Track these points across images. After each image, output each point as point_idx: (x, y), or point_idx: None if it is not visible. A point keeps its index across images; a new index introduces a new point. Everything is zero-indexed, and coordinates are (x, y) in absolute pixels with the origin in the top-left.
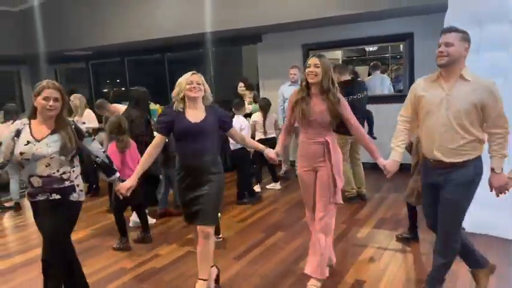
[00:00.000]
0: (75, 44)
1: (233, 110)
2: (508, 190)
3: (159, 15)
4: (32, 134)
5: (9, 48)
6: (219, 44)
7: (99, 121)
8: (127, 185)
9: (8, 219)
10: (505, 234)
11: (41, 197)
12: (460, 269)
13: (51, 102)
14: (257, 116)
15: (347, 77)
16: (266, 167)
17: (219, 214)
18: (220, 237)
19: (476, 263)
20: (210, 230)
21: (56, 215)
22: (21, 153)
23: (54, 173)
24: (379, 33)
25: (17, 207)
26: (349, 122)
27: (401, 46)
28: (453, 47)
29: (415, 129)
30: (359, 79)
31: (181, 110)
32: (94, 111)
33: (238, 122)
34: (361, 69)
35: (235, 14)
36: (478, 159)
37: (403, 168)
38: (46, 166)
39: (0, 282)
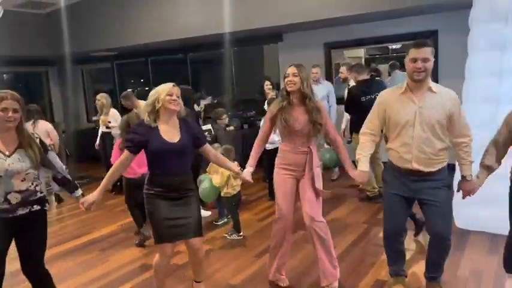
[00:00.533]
0: (100, 45)
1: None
2: (473, 194)
3: (182, 15)
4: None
5: (38, 50)
6: (241, 44)
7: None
8: (90, 200)
9: None
10: None
11: (22, 211)
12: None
13: (10, 113)
14: None
15: (365, 76)
16: None
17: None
18: (240, 235)
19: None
20: (201, 241)
21: (40, 227)
22: None
23: (30, 186)
24: (402, 31)
25: None
26: (329, 133)
27: None
28: (429, 62)
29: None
30: (378, 78)
31: (153, 126)
32: (120, 105)
33: None
34: (384, 68)
35: (256, 14)
36: (446, 165)
37: None
38: (22, 181)
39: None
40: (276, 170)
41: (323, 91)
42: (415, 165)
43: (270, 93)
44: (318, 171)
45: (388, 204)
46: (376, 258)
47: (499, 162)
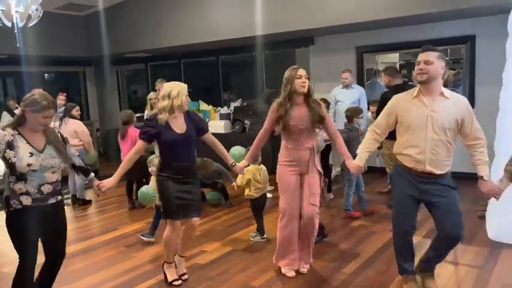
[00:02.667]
0: (135, 47)
1: None
2: (496, 195)
3: (213, 18)
4: (31, 145)
5: (77, 51)
6: (272, 47)
7: None
8: (107, 184)
9: None
10: None
11: (52, 200)
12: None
13: (48, 121)
14: None
15: (398, 81)
16: None
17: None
18: (264, 238)
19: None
20: (198, 221)
21: (63, 215)
22: (28, 165)
23: (58, 177)
24: (437, 36)
25: None
26: (329, 127)
27: (462, 49)
28: (432, 65)
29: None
30: (411, 83)
31: (166, 121)
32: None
33: None
34: None
35: (288, 16)
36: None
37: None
38: (53, 173)
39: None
40: (279, 167)
41: (355, 95)
42: (428, 168)
43: None
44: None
45: (400, 203)
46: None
47: None
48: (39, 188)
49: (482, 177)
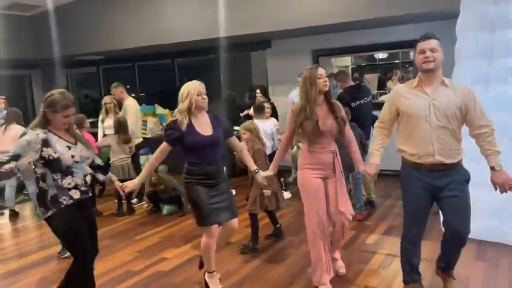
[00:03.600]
0: (86, 49)
1: (254, 114)
2: (511, 187)
3: (169, 20)
4: (65, 140)
5: (21, 53)
6: (229, 50)
7: None
8: (130, 186)
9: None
10: None
11: (90, 193)
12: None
13: (70, 118)
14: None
15: (351, 82)
16: None
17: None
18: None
19: None
20: (237, 221)
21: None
22: (72, 156)
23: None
24: (389, 40)
25: (14, 214)
26: (345, 129)
27: (411, 53)
28: (437, 53)
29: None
30: (363, 84)
31: (187, 123)
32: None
33: (261, 128)
34: (371, 77)
35: (245, 20)
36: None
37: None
38: (87, 165)
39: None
40: (301, 171)
41: None
42: (438, 157)
43: (261, 101)
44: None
45: (411, 203)
46: (364, 265)
47: None
48: (84, 179)
49: (493, 168)
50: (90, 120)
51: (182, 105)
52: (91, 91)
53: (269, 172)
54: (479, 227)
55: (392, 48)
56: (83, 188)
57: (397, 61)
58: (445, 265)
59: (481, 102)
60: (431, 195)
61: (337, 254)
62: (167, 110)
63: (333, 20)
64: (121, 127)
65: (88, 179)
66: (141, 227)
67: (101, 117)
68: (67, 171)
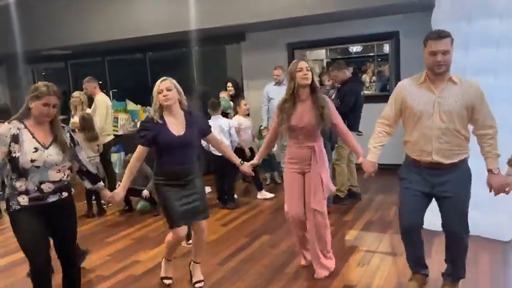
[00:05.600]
0: (52, 43)
1: (208, 110)
2: (507, 190)
3: (141, 12)
4: (37, 139)
5: None
6: (202, 43)
7: None
8: (116, 198)
9: None
10: (496, 235)
11: (53, 198)
12: None
13: (50, 109)
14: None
15: (348, 74)
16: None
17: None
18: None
19: None
20: (206, 223)
21: (70, 214)
22: (32, 161)
23: (63, 177)
24: (364, 32)
25: None
26: (338, 127)
27: (387, 45)
28: (449, 55)
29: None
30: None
31: (161, 122)
32: None
33: (217, 125)
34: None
35: (219, 12)
36: (468, 157)
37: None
38: (57, 172)
39: None
40: (285, 166)
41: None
42: (436, 157)
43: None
44: (326, 166)
45: (405, 200)
46: (343, 262)
47: None
48: (39, 185)
49: (491, 171)
50: (61, 117)
51: (153, 104)
52: (59, 87)
53: (254, 161)
54: None
55: (368, 40)
56: (33, 195)
57: (372, 54)
58: (449, 272)
59: (487, 102)
60: (429, 191)
61: (320, 259)
62: (139, 106)
63: (308, 12)
64: (86, 124)
65: (45, 187)
66: (112, 228)
67: (72, 113)
68: (22, 173)
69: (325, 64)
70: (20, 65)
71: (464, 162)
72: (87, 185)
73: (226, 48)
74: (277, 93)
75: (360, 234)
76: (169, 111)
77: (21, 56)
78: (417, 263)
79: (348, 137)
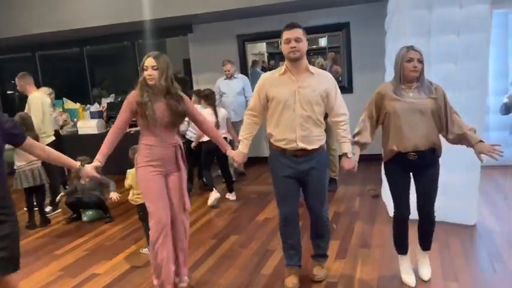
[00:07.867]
0: None
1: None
2: (354, 170)
3: (75, 2)
4: None
5: None
6: (145, 36)
7: None
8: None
9: None
10: (462, 220)
11: None
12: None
13: None
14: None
15: None
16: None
17: None
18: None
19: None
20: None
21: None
22: None
23: None
24: (315, 23)
25: None
26: (197, 119)
27: (337, 37)
28: (302, 43)
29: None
30: None
31: None
32: None
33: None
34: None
35: (164, 2)
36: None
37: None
38: None
39: None
40: (140, 168)
41: (239, 85)
42: (300, 144)
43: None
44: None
45: (282, 188)
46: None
47: (372, 137)
48: None
49: (346, 154)
50: None
51: None
52: None
53: (97, 163)
54: None
55: (319, 31)
56: None
57: (323, 45)
58: (318, 253)
59: (340, 92)
60: (299, 177)
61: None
62: (78, 104)
63: (259, 2)
64: (24, 124)
65: None
66: (60, 239)
67: None
68: None
69: (265, 58)
70: None
71: (323, 147)
72: None
73: (167, 41)
74: (229, 87)
75: None
76: None
77: None
78: (295, 255)
79: (209, 129)
